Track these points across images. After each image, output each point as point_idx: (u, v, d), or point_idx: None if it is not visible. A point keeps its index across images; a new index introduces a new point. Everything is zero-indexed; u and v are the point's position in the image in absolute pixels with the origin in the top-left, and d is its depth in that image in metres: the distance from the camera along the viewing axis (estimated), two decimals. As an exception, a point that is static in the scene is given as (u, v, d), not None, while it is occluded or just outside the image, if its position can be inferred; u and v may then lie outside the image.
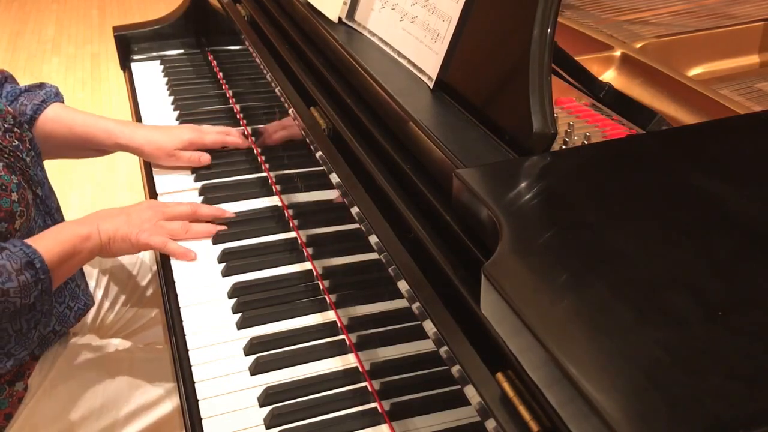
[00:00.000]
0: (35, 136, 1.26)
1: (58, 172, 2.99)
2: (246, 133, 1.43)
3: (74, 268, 1.06)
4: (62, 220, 1.21)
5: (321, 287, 1.05)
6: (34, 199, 1.07)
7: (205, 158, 1.31)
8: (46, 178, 1.17)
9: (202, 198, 1.24)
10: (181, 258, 1.10)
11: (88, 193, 2.91)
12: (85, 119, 1.30)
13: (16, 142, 1.08)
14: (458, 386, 0.62)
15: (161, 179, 1.32)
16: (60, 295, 1.11)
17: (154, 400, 1.16)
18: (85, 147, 1.31)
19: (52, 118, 1.27)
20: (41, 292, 0.95)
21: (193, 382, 0.91)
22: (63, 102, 1.32)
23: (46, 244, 0.98)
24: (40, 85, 1.30)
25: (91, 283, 1.30)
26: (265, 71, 1.18)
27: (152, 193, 1.29)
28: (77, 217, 1.08)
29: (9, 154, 1.04)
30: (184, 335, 0.97)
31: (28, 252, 0.94)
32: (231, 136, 1.35)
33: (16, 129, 1.10)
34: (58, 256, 0.99)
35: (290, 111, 1.06)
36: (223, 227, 1.15)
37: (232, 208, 1.21)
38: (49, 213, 1.14)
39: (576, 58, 0.99)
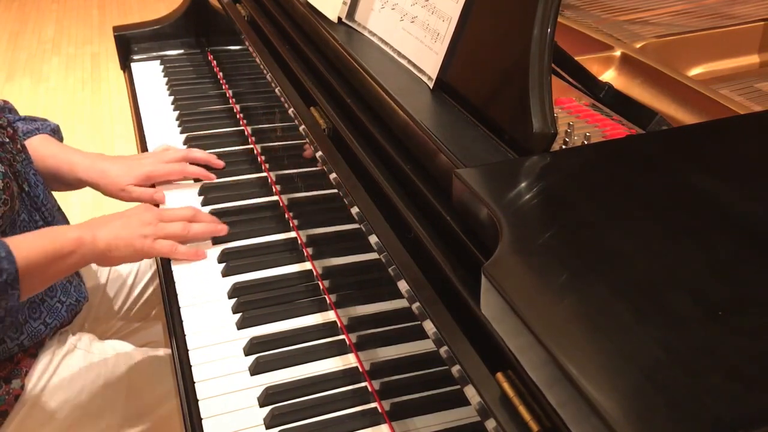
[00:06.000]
0: None
1: (58, 172, 2.98)
2: (246, 132, 1.43)
3: (62, 272, 1.01)
4: (63, 220, 1.20)
5: (321, 287, 1.05)
6: (20, 192, 1.05)
7: (159, 196, 1.23)
8: (40, 182, 1.13)
9: (202, 198, 1.24)
10: (193, 258, 1.08)
11: (88, 194, 2.90)
12: (58, 152, 1.23)
13: (7, 140, 1.06)
14: (458, 386, 0.62)
15: (161, 179, 1.31)
16: (51, 289, 1.09)
17: (153, 401, 1.17)
18: (56, 181, 1.25)
19: (34, 147, 1.20)
20: (3, 284, 0.89)
21: (193, 382, 0.91)
22: (60, 138, 1.28)
23: (22, 240, 0.94)
24: (38, 119, 1.27)
25: (91, 283, 1.30)
26: (265, 71, 1.18)
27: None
28: (77, 218, 1.07)
29: None
30: (184, 335, 0.97)
31: None
32: (192, 166, 1.28)
33: (9, 128, 1.08)
34: (36, 255, 0.93)
35: (290, 111, 1.06)
36: (225, 227, 1.13)
37: (232, 208, 1.21)
38: (38, 209, 1.10)
39: (576, 58, 0.99)
